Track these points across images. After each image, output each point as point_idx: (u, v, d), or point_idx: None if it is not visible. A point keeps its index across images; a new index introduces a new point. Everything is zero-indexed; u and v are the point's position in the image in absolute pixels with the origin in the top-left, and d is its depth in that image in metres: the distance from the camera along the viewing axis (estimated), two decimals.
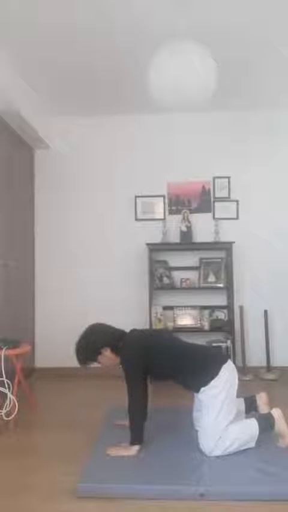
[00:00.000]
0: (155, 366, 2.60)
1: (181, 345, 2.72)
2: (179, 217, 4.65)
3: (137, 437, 2.47)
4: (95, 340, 2.66)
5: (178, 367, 2.58)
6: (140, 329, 2.85)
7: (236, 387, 2.55)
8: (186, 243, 4.59)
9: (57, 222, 4.80)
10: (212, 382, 2.47)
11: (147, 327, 4.36)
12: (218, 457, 2.39)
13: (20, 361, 3.27)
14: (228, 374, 2.52)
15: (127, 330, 2.77)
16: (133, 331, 2.77)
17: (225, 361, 2.58)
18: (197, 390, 2.53)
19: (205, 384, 2.49)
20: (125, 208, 4.75)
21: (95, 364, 2.71)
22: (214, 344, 4.30)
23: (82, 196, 4.79)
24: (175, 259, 4.68)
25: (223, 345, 4.29)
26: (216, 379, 2.48)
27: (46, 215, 4.81)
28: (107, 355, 2.64)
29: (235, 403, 2.55)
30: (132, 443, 2.47)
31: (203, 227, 4.66)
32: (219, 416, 2.43)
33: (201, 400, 2.52)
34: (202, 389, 2.50)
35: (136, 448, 2.46)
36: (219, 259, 4.62)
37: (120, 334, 2.71)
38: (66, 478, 2.24)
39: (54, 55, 3.50)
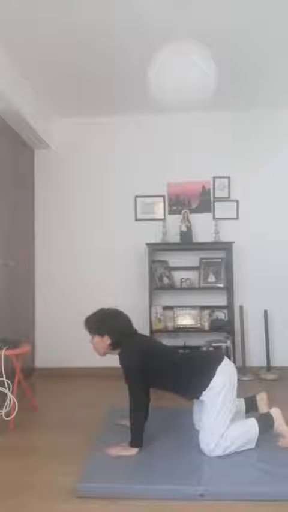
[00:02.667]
0: (154, 376, 2.59)
1: (178, 355, 2.75)
2: (179, 217, 4.65)
3: (137, 441, 2.48)
4: (108, 324, 2.67)
5: (177, 376, 2.57)
6: (143, 335, 2.86)
7: (235, 386, 2.54)
8: (186, 243, 4.59)
9: (57, 222, 4.80)
10: (211, 383, 2.47)
11: (147, 326, 4.35)
12: (218, 457, 2.39)
13: (20, 361, 3.27)
14: (225, 373, 2.52)
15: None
16: (136, 335, 2.78)
17: (220, 360, 2.58)
18: (199, 395, 2.53)
19: (205, 387, 2.48)
20: (125, 208, 4.75)
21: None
22: (214, 344, 4.30)
23: (82, 196, 4.79)
24: (175, 259, 4.68)
25: (223, 345, 4.29)
26: (213, 379, 2.48)
27: (46, 215, 4.81)
28: (104, 342, 2.65)
29: (235, 403, 2.55)
30: (132, 446, 2.47)
31: (203, 227, 4.66)
32: (219, 416, 2.43)
33: (201, 400, 2.52)
34: (203, 393, 2.50)
35: (136, 448, 2.46)
36: (219, 259, 4.62)
37: (130, 334, 2.73)
38: (65, 478, 2.24)
39: (54, 55, 3.50)
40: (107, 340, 2.64)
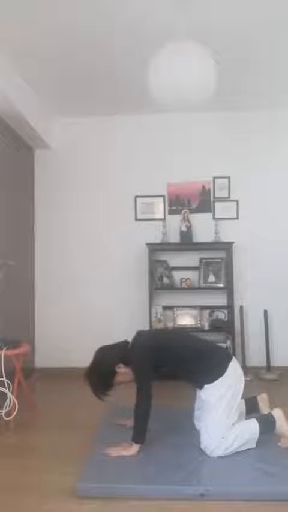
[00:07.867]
0: (163, 365, 2.57)
1: (188, 344, 2.69)
2: (179, 217, 4.65)
3: (140, 437, 2.46)
4: (106, 360, 2.61)
5: (184, 365, 2.57)
6: (145, 330, 2.83)
7: (241, 388, 2.53)
8: (186, 243, 4.59)
9: (57, 222, 4.80)
10: (216, 382, 2.47)
11: (147, 327, 4.35)
12: (218, 457, 2.39)
13: (20, 361, 3.27)
14: (232, 376, 2.52)
15: (127, 335, 2.75)
16: (139, 334, 2.75)
17: (230, 360, 2.58)
18: (201, 387, 2.53)
19: (210, 381, 2.48)
20: (125, 208, 4.74)
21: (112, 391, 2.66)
22: None
23: (82, 196, 4.79)
24: (175, 259, 4.68)
25: (223, 345, 4.28)
26: (221, 379, 2.47)
27: (46, 215, 4.81)
28: (123, 372, 2.59)
29: (239, 407, 2.54)
30: (135, 442, 2.46)
31: (203, 227, 4.65)
32: (223, 417, 2.43)
33: (205, 400, 2.51)
34: (206, 386, 2.49)
35: (136, 448, 2.46)
36: (219, 259, 4.61)
37: (125, 344, 2.69)
38: (66, 478, 2.24)
39: (54, 55, 3.50)
40: (121, 368, 2.58)
